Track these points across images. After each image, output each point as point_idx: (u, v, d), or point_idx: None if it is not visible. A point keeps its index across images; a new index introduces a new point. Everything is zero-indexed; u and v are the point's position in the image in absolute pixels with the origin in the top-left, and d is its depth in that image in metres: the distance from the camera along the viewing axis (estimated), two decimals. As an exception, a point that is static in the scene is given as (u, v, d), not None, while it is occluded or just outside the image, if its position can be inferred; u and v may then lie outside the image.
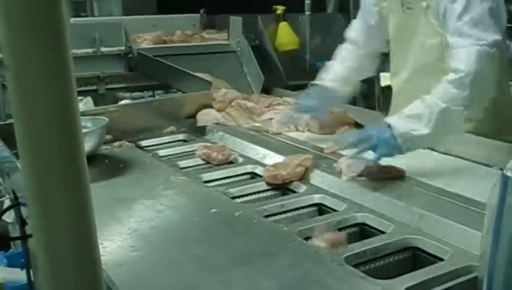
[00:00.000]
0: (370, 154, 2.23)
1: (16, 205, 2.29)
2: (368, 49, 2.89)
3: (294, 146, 2.72)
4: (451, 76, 2.22)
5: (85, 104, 4.26)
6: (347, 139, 2.39)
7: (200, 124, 3.16)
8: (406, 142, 2.18)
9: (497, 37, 2.25)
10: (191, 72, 3.71)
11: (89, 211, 0.89)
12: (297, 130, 2.95)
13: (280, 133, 2.90)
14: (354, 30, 2.91)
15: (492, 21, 2.27)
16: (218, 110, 3.24)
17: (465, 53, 2.23)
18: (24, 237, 2.36)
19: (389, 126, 2.19)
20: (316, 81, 2.89)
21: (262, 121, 3.07)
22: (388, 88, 4.53)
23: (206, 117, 3.19)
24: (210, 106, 3.28)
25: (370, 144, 2.22)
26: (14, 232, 2.80)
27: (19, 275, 2.70)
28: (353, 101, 3.65)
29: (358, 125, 2.89)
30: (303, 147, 2.69)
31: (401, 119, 2.21)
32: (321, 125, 2.86)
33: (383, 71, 4.34)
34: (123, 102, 4.24)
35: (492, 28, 2.26)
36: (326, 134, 2.82)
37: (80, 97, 3.97)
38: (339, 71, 2.86)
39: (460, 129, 2.29)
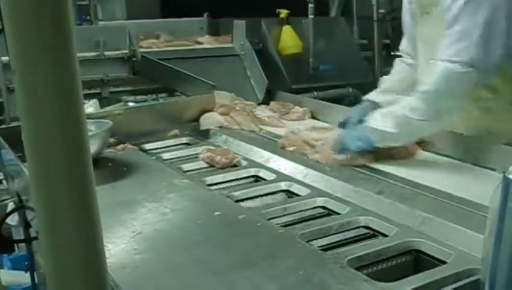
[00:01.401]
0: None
1: (20, 207, 2.30)
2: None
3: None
4: (421, 88, 2.38)
5: (92, 105, 4.28)
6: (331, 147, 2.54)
7: (203, 127, 3.17)
8: (376, 135, 2.40)
9: (479, 56, 2.27)
10: (195, 76, 3.71)
11: (94, 214, 0.89)
12: None
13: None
14: (404, 40, 2.87)
15: (480, 39, 2.26)
16: (221, 114, 3.24)
17: (436, 68, 2.33)
18: (28, 240, 2.36)
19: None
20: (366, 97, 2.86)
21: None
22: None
23: (208, 120, 3.20)
24: (213, 110, 3.30)
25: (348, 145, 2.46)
26: (18, 235, 2.80)
27: (22, 278, 2.70)
28: (356, 102, 3.65)
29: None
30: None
31: (376, 117, 2.44)
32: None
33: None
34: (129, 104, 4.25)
35: (476, 47, 2.27)
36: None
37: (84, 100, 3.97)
38: (388, 84, 2.83)
39: (425, 134, 2.51)
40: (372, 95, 2.80)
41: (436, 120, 2.37)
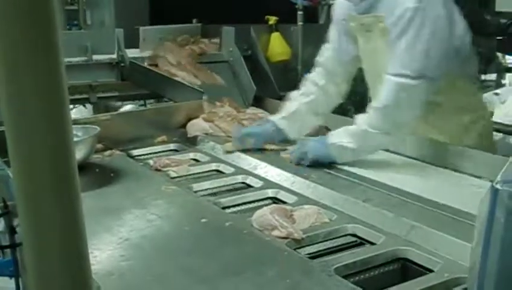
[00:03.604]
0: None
1: (5, 213, 2.28)
2: (338, 73, 2.87)
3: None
4: (375, 103, 2.47)
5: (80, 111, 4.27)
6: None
7: (190, 134, 3.16)
8: (336, 151, 2.51)
9: (426, 65, 2.35)
10: (183, 82, 3.71)
11: (79, 220, 0.88)
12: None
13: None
14: (325, 53, 2.89)
15: (426, 49, 2.34)
16: (206, 121, 3.23)
17: (387, 83, 2.41)
18: (13, 246, 2.35)
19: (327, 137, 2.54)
20: (270, 117, 2.98)
21: None
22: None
23: (195, 127, 3.19)
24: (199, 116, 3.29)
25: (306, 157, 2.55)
26: (4, 241, 2.78)
27: (7, 283, 2.68)
28: (344, 113, 3.65)
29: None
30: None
31: (338, 133, 2.53)
32: None
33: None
34: (124, 108, 4.22)
35: (422, 57, 2.34)
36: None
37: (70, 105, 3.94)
38: (294, 107, 2.89)
39: (384, 147, 2.61)
40: (276, 119, 2.89)
41: (395, 133, 2.47)
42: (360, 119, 2.48)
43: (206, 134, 3.11)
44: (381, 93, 2.43)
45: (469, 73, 2.69)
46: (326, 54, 2.87)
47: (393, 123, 2.43)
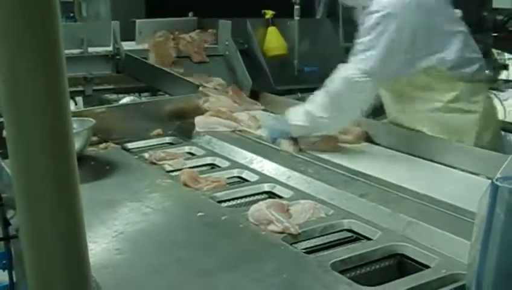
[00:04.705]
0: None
1: (-1, 205, 2.27)
2: None
3: (281, 152, 2.72)
4: (323, 88, 2.65)
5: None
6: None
7: (197, 130, 3.09)
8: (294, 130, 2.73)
9: (377, 67, 2.52)
10: (178, 75, 3.69)
11: (78, 213, 0.88)
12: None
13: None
14: None
15: (381, 54, 2.52)
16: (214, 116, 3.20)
17: (337, 74, 2.61)
18: (7, 238, 2.34)
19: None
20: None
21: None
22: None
23: (202, 124, 3.12)
24: (196, 109, 3.26)
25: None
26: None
27: (0, 276, 2.68)
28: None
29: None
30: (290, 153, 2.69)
31: (295, 113, 2.75)
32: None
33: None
34: (124, 100, 4.19)
35: (376, 59, 2.52)
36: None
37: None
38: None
39: (326, 131, 2.75)
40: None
41: (334, 119, 2.65)
42: (309, 100, 2.72)
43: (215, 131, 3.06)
44: (330, 81, 2.62)
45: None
46: None
47: (332, 110, 2.61)
